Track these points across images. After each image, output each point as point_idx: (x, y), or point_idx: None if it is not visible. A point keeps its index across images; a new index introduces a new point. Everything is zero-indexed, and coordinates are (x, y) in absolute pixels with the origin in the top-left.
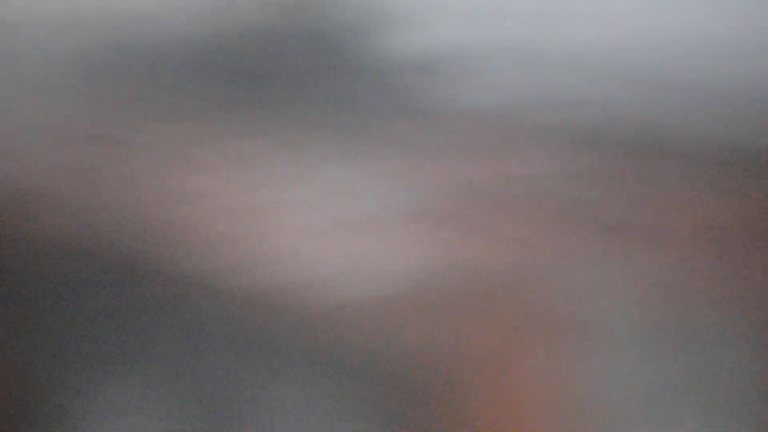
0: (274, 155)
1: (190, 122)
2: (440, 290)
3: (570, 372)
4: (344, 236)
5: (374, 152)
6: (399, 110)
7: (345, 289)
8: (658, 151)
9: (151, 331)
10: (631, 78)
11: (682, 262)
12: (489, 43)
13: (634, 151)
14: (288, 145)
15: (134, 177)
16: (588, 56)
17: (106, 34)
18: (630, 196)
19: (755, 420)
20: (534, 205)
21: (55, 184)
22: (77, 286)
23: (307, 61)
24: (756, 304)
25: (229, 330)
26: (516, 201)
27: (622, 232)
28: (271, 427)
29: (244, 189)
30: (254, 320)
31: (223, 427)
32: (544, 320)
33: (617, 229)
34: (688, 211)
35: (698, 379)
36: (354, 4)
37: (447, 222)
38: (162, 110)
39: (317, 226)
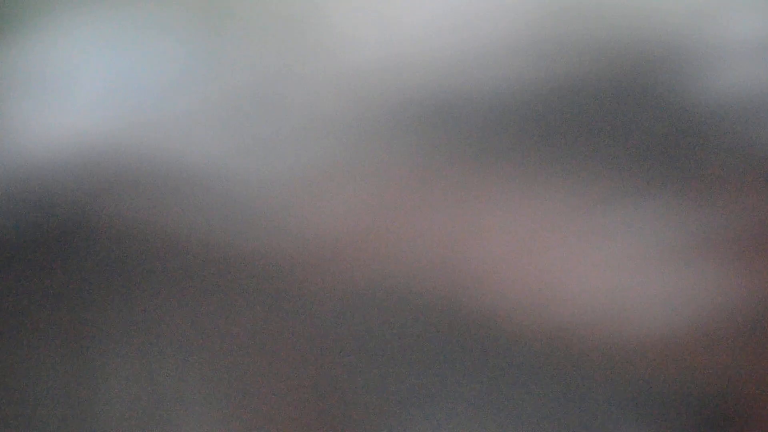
0: (568, 195)
1: (494, 166)
2: (732, 327)
3: None
4: (638, 270)
5: (670, 188)
6: (705, 150)
7: (641, 325)
8: None
9: (459, 369)
10: None
11: None
12: None
13: None
14: (585, 185)
15: (434, 219)
16: None
17: (427, 80)
18: None
19: None
20: None
21: (359, 227)
22: (383, 328)
23: (619, 108)
24: None
25: (526, 369)
26: None
27: None
28: None
29: (532, 226)
30: (553, 360)
31: None
32: None
33: None
34: None
35: None
36: (658, 47)
37: (744, 256)
38: (469, 153)
39: (611, 261)
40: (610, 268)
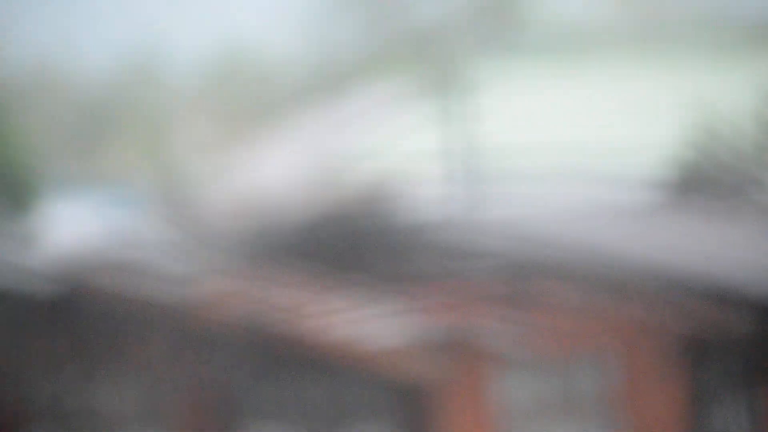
0: (323, 298)
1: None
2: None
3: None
4: (374, 318)
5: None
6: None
7: (375, 344)
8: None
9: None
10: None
11: None
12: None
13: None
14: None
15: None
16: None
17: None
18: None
19: None
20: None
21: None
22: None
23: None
24: None
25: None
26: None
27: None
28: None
29: (301, 303)
30: (329, 370)
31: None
32: None
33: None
34: None
35: None
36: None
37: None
38: (271, 273)
39: (349, 315)
40: (348, 312)
